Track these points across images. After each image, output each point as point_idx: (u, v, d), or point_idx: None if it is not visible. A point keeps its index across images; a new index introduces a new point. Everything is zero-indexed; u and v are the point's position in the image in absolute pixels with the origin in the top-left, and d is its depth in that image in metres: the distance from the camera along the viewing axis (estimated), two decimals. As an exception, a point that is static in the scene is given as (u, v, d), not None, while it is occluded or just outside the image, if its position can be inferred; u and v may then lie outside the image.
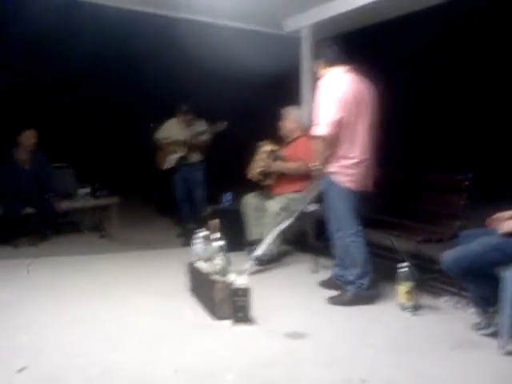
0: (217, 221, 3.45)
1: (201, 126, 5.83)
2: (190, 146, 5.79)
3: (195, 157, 5.91)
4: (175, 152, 5.83)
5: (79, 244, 5.59)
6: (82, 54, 6.90)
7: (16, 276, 4.10)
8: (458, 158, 4.35)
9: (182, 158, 5.83)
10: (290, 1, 4.87)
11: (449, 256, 2.81)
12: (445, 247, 3.14)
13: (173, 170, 5.93)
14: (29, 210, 5.49)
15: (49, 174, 5.86)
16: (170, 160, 5.85)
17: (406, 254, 3.59)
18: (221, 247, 3.27)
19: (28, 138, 5.56)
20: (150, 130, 6.20)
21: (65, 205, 5.79)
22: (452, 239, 3.40)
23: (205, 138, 5.79)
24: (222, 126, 5.59)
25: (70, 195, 6.08)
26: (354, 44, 3.65)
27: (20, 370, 2.44)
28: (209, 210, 4.98)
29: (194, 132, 5.79)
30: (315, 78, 3.63)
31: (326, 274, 4.00)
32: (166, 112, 6.11)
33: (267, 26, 5.62)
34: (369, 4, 4.49)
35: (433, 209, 3.76)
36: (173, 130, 5.89)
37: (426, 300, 3.43)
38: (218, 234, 3.39)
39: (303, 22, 5.29)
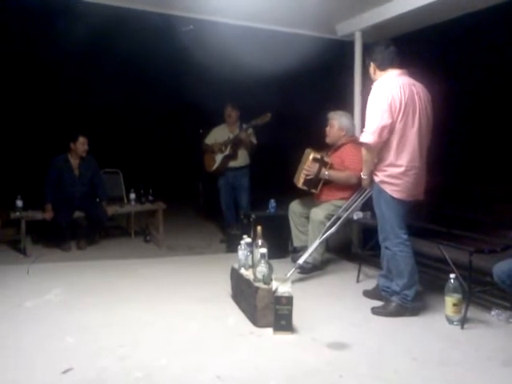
0: (260, 228, 3.43)
1: (245, 126, 5.84)
2: (235, 144, 5.80)
3: (241, 159, 5.90)
4: (221, 151, 5.88)
5: (126, 248, 5.72)
6: (134, 61, 7.08)
7: (63, 279, 4.20)
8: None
9: (228, 158, 5.85)
10: (344, 5, 4.83)
11: (502, 268, 2.70)
12: (497, 258, 3.03)
13: (218, 175, 5.98)
14: (78, 214, 5.65)
15: (100, 179, 6.00)
16: (217, 160, 5.90)
17: (456, 265, 3.47)
18: (264, 254, 3.25)
19: (81, 144, 5.72)
20: (198, 136, 6.29)
21: (113, 209, 5.92)
22: (505, 250, 3.26)
23: (250, 132, 5.80)
24: (265, 117, 5.52)
25: (119, 200, 6.22)
26: (407, 47, 3.56)
27: (65, 372, 2.49)
28: (253, 216, 4.97)
29: (240, 131, 5.82)
30: (368, 82, 3.58)
31: (370, 284, 3.93)
32: (214, 118, 6.19)
33: (320, 30, 5.62)
34: (423, 6, 4.41)
35: (485, 218, 3.63)
36: (220, 134, 5.98)
37: (475, 313, 3.31)
38: (262, 241, 3.37)
39: (357, 25, 5.25)
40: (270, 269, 3.20)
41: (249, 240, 3.55)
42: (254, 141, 5.87)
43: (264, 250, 3.28)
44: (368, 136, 3.26)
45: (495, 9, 4.39)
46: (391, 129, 3.25)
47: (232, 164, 5.89)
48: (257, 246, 3.37)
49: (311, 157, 4.49)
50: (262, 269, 3.18)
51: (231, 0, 4.61)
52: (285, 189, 5.05)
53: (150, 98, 8.44)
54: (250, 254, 3.47)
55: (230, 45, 5.73)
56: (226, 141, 5.86)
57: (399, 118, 3.25)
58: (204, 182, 6.63)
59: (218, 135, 6.00)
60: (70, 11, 5.00)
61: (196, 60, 6.55)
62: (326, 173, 4.47)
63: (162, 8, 4.94)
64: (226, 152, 5.84)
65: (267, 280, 3.14)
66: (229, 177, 5.94)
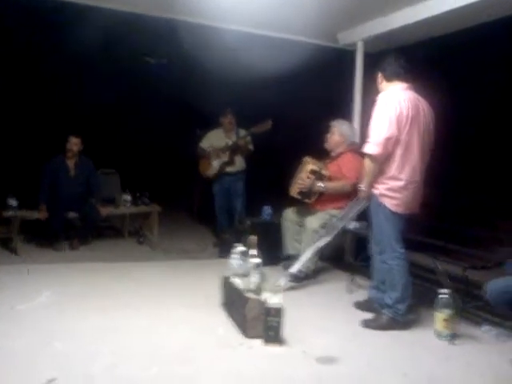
0: (255, 237, 3.42)
1: (242, 133, 5.83)
2: (233, 151, 5.79)
3: (238, 164, 5.89)
4: (219, 158, 5.85)
5: (119, 250, 5.68)
6: (129, 62, 7.05)
7: (56, 281, 4.17)
8: (507, 182, 4.16)
9: (226, 164, 5.83)
10: (347, 14, 4.83)
11: (495, 286, 2.69)
12: (490, 274, 3.02)
13: (214, 179, 5.95)
14: (72, 215, 5.63)
15: (95, 180, 5.98)
16: (214, 166, 5.87)
17: (450, 279, 3.47)
18: (257, 264, 3.24)
19: (75, 144, 5.69)
20: (194, 137, 6.26)
21: (108, 210, 5.90)
22: (499, 266, 3.27)
23: (248, 140, 5.78)
24: (266, 125, 5.46)
25: (114, 201, 6.18)
26: (409, 58, 3.55)
27: (49, 382, 2.44)
28: (248, 222, 4.96)
29: (237, 136, 5.81)
30: (368, 92, 3.57)
31: (362, 295, 3.93)
32: (212, 120, 6.18)
33: (322, 38, 5.62)
34: (426, 19, 4.41)
35: (479, 233, 3.62)
36: (217, 139, 5.94)
37: (465, 328, 3.31)
38: (256, 251, 3.36)
39: (359, 35, 5.26)
40: (262, 279, 3.19)
41: (242, 248, 3.53)
42: (252, 148, 5.86)
43: (257, 261, 3.26)
44: (373, 147, 3.25)
45: (500, 22, 4.38)
46: (396, 141, 3.23)
47: (228, 169, 5.87)
48: (250, 255, 3.36)
49: (309, 168, 4.47)
50: (253, 279, 3.17)
51: (234, 7, 4.61)
52: (281, 194, 5.03)
53: (149, 99, 8.41)
54: (243, 263, 3.46)
55: (231, 50, 5.75)
56: (223, 147, 5.82)
57: (405, 131, 3.24)
58: (199, 185, 6.60)
59: (215, 140, 5.95)
60: (67, 12, 4.97)
61: (197, 63, 6.54)
62: (322, 185, 4.47)
63: (164, 12, 4.94)
64: (224, 158, 5.82)
65: (258, 290, 3.13)
66: (224, 182, 5.92)
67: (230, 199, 5.96)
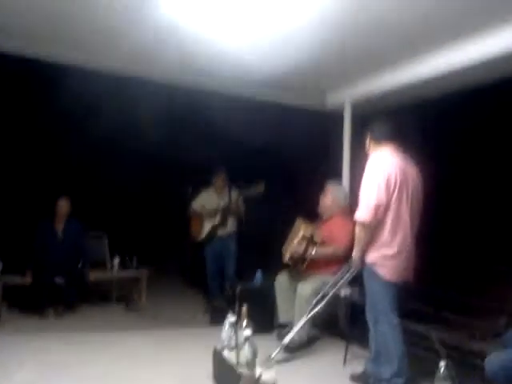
0: (245, 307, 3.32)
1: (235, 193, 5.81)
2: (225, 213, 5.73)
3: (229, 226, 5.82)
4: (210, 219, 5.78)
5: (106, 317, 5.50)
6: (118, 121, 7.08)
7: (37, 353, 3.99)
8: (504, 248, 4.12)
9: (217, 227, 5.76)
10: (334, 78, 4.97)
11: (495, 362, 2.58)
12: (489, 344, 2.93)
13: (205, 242, 5.85)
14: (58, 280, 5.45)
15: (83, 243, 5.88)
16: (205, 228, 5.79)
17: (446, 346, 3.35)
18: (249, 337, 3.12)
19: (61, 206, 5.63)
20: (186, 196, 6.19)
21: (96, 275, 5.76)
22: (497, 336, 3.18)
23: (240, 202, 5.74)
24: (259, 187, 5.44)
25: (102, 265, 6.05)
26: (397, 120, 3.60)
27: None
28: (238, 288, 4.85)
29: (229, 198, 5.76)
30: (357, 153, 3.59)
31: (358, 366, 3.77)
32: (202, 181, 6.15)
33: (310, 101, 5.74)
34: (412, 83, 4.54)
35: (476, 302, 3.55)
36: (209, 199, 5.88)
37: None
38: (247, 322, 3.25)
39: (346, 98, 5.37)
40: (254, 353, 3.06)
41: (233, 319, 3.42)
42: (243, 209, 5.83)
43: (249, 333, 3.13)
44: (363, 214, 3.22)
45: (489, 87, 4.47)
46: (386, 207, 3.21)
47: (220, 232, 5.80)
48: (241, 326, 3.24)
49: (300, 234, 4.42)
50: (245, 353, 3.04)
51: (223, 71, 4.71)
52: (274, 256, 4.95)
53: (138, 160, 8.39)
54: (234, 335, 3.33)
55: (219, 112, 5.83)
56: (215, 209, 5.77)
57: (394, 197, 3.22)
58: (190, 247, 6.49)
59: (207, 201, 5.90)
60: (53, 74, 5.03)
61: (186, 123, 6.61)
62: (313, 252, 4.42)
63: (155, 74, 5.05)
64: (216, 221, 5.76)
65: (251, 365, 3.00)
66: (216, 245, 5.83)
67: (223, 262, 5.85)
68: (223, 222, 5.76)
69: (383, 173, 3.23)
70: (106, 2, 3.45)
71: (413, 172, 3.40)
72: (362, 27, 3.72)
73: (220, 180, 5.86)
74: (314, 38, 3.94)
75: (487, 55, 3.82)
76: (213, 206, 5.80)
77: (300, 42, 4.03)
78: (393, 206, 3.23)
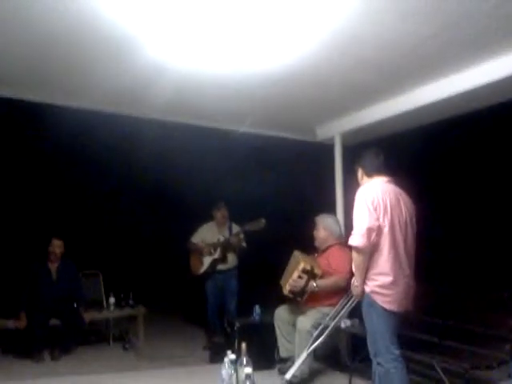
0: (244, 344, 3.25)
1: (236, 228, 5.72)
2: (225, 247, 5.64)
3: (230, 261, 5.72)
4: (210, 254, 5.68)
5: (104, 358, 5.37)
6: (113, 159, 7.09)
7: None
8: (507, 274, 4.09)
9: (217, 261, 5.65)
10: (323, 111, 5.02)
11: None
12: (495, 373, 2.88)
13: (205, 277, 5.73)
14: (54, 321, 5.36)
15: (78, 284, 5.80)
16: (205, 263, 5.68)
17: (451, 374, 3.29)
18: (249, 375, 3.04)
19: (57, 246, 5.58)
20: (183, 234, 6.11)
21: (91, 315, 5.67)
22: (502, 365, 3.12)
23: (241, 237, 5.63)
24: (260, 223, 5.31)
25: (98, 304, 5.97)
26: (386, 149, 3.61)
27: None
28: (237, 324, 4.76)
29: (230, 233, 5.69)
30: (349, 183, 3.59)
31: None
32: (199, 214, 6.09)
33: (301, 133, 5.78)
34: (400, 114, 4.60)
35: (479, 329, 3.49)
36: (209, 234, 5.78)
37: None
38: (247, 359, 3.17)
39: (336, 129, 5.41)
40: (256, 391, 2.98)
41: (233, 357, 3.34)
42: (245, 245, 5.71)
43: (249, 370, 3.06)
44: (357, 238, 3.18)
45: (476, 114, 4.53)
46: (379, 232, 3.18)
47: (221, 267, 5.68)
48: (241, 364, 3.16)
49: (300, 267, 4.34)
50: (246, 392, 2.96)
51: (213, 105, 4.75)
52: (271, 291, 4.89)
53: (133, 195, 8.37)
54: (235, 373, 3.25)
55: (211, 146, 5.87)
56: (215, 243, 5.67)
57: (386, 223, 3.19)
58: (190, 283, 6.38)
59: (207, 235, 5.79)
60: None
61: (180, 159, 6.62)
62: (315, 285, 4.34)
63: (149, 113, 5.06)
64: (216, 255, 5.65)
65: (253, 404, 2.92)
66: (217, 279, 5.70)
67: (223, 297, 5.72)
68: (223, 257, 5.66)
69: (372, 197, 3.22)
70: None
71: (406, 201, 3.39)
72: (348, 64, 3.78)
73: (220, 214, 5.77)
74: (304, 76, 4.00)
75: (466, 87, 3.96)
76: (213, 240, 5.71)
77: (290, 79, 4.08)
78: (386, 232, 3.20)
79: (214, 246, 5.67)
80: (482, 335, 3.45)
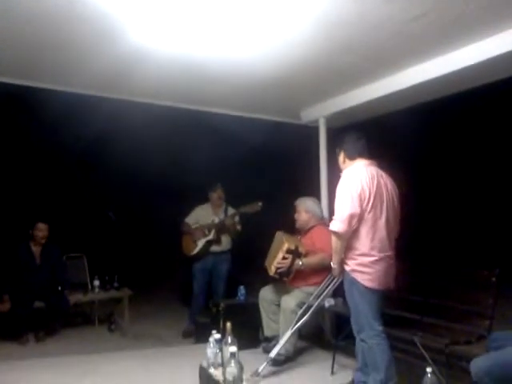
0: (229, 324, 3.28)
1: (231, 211, 5.68)
2: (220, 229, 5.59)
3: (224, 244, 5.66)
4: (204, 235, 5.63)
5: (88, 340, 5.39)
6: (102, 141, 7.01)
7: (20, 381, 3.88)
8: (484, 252, 4.16)
9: (211, 242, 5.60)
10: (308, 93, 4.99)
11: (480, 365, 2.58)
12: (473, 348, 2.95)
13: (196, 258, 5.64)
14: (38, 304, 5.35)
15: (62, 267, 5.77)
16: (198, 244, 5.62)
17: (432, 350, 3.36)
18: (234, 354, 3.08)
19: (39, 231, 5.54)
20: (176, 214, 6.06)
21: (76, 298, 5.66)
22: (480, 340, 3.21)
23: (236, 219, 5.61)
24: (256, 206, 5.28)
25: (83, 287, 5.96)
26: (370, 132, 3.63)
27: None
28: (222, 305, 4.80)
29: (225, 215, 5.65)
30: (334, 167, 3.61)
31: (346, 376, 3.77)
32: (186, 197, 6.05)
33: (287, 116, 5.76)
34: (385, 96, 4.58)
35: (458, 306, 3.56)
36: (203, 214, 5.71)
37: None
38: (232, 339, 3.21)
39: (320, 112, 5.39)
40: (241, 369, 3.02)
41: (218, 336, 3.38)
42: (239, 228, 5.67)
43: (234, 349, 3.08)
44: (337, 224, 3.23)
45: (457, 96, 4.56)
46: (360, 218, 3.23)
47: (214, 248, 5.62)
48: (226, 343, 3.20)
49: (285, 247, 4.36)
50: (231, 369, 3.00)
51: (200, 88, 4.72)
52: (254, 272, 4.93)
53: (117, 177, 8.29)
54: (220, 352, 3.29)
55: (197, 129, 5.84)
56: (210, 224, 5.60)
57: (368, 208, 3.24)
58: (180, 264, 6.32)
59: (201, 216, 5.71)
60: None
61: (170, 142, 6.59)
62: (300, 263, 4.37)
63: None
64: (210, 236, 5.58)
65: (238, 381, 2.95)
66: (208, 262, 5.62)
67: (212, 280, 5.65)
68: (218, 238, 5.61)
69: (356, 185, 3.25)
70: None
71: (387, 182, 3.43)
72: (333, 47, 3.77)
73: (216, 195, 5.70)
74: (289, 59, 3.98)
75: (451, 69, 3.93)
76: (207, 221, 5.68)
77: (275, 63, 4.05)
78: (368, 216, 3.25)
79: (209, 228, 5.60)
80: (462, 312, 3.53)
